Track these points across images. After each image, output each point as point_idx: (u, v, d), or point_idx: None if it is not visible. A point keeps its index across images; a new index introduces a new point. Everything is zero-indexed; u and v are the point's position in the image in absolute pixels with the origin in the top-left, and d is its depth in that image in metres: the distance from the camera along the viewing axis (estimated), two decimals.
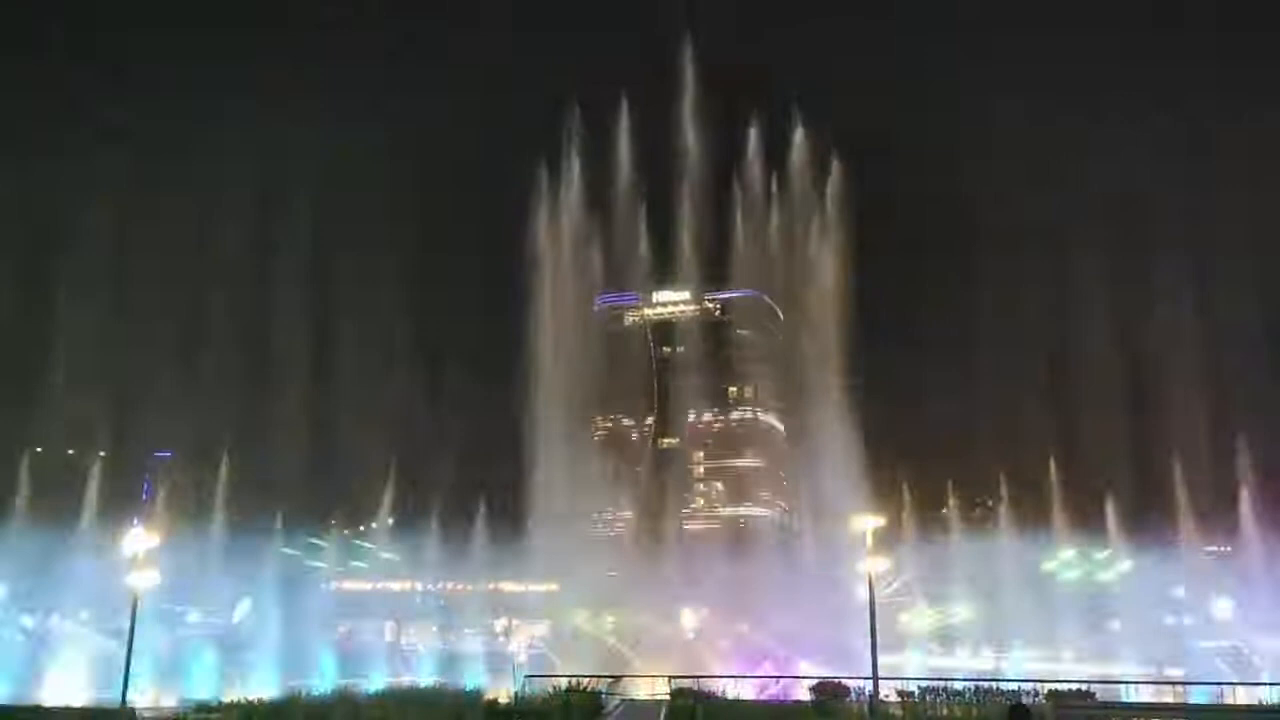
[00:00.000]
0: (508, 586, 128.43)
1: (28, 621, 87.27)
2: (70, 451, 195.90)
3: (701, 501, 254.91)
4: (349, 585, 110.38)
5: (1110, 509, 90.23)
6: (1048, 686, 48.66)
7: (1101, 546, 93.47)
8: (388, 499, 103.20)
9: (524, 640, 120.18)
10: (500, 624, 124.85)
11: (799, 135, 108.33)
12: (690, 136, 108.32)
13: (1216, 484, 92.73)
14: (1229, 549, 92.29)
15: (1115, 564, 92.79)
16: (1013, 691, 45.84)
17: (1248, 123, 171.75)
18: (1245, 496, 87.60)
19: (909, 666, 75.09)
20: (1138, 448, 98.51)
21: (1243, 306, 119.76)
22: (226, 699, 54.94)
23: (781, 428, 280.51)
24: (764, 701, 52.56)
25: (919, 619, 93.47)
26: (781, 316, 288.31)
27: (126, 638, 52.30)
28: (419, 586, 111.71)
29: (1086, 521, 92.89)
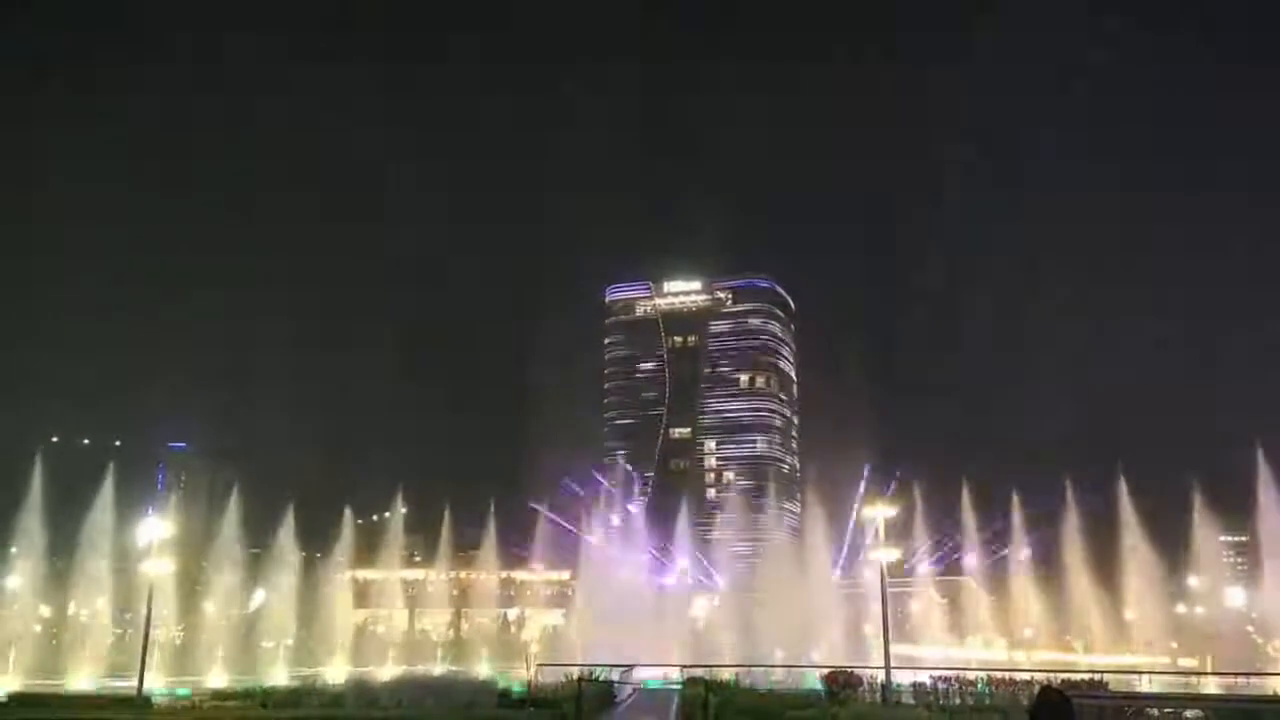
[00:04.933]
0: (520, 575, 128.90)
1: (45, 610, 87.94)
2: (85, 441, 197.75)
3: (714, 491, 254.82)
4: (363, 574, 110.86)
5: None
6: (1060, 676, 48.38)
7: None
8: (401, 488, 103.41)
9: (536, 628, 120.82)
10: (513, 612, 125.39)
11: None
12: None
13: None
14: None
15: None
16: (1025, 682, 45.55)
17: None
18: None
19: (922, 656, 74.88)
20: None
21: None
22: (241, 686, 55.26)
23: (793, 416, 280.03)
24: (776, 690, 52.42)
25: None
26: (793, 305, 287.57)
27: (143, 626, 52.60)
28: (432, 575, 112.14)
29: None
